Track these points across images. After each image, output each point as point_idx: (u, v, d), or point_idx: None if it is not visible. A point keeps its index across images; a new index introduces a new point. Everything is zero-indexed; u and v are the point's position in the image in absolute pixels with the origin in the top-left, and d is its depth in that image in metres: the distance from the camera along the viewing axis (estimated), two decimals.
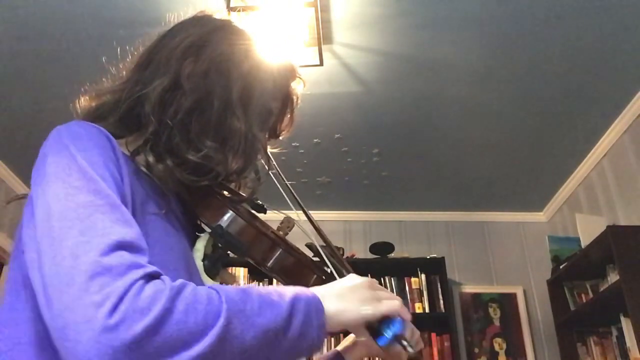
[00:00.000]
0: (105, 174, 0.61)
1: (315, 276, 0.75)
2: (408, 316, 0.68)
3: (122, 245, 0.53)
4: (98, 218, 0.55)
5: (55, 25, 2.25)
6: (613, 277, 2.55)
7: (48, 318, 0.51)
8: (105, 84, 0.81)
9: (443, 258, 3.33)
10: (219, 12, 0.86)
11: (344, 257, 3.40)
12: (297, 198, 0.84)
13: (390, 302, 0.67)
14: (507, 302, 3.47)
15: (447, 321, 3.18)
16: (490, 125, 2.86)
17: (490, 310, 3.46)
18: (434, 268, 3.33)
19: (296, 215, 0.85)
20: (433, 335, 3.19)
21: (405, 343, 0.66)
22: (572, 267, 2.84)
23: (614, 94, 2.60)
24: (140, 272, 0.52)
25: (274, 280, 0.78)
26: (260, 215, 0.83)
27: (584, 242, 2.71)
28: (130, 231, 0.56)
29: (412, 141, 3.02)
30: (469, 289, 3.52)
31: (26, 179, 3.41)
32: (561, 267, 2.94)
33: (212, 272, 0.73)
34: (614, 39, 2.27)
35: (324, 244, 0.84)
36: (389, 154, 3.14)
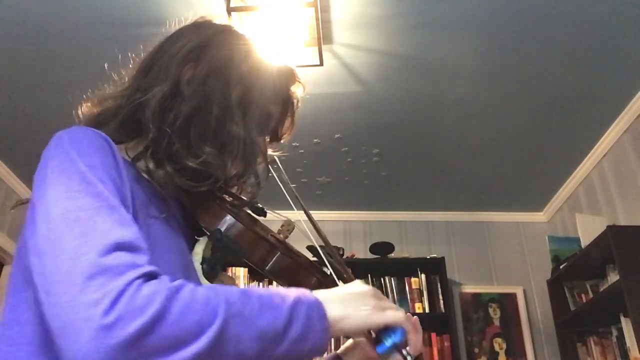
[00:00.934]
0: (105, 177, 0.62)
1: (315, 279, 0.76)
2: (410, 327, 0.68)
3: (120, 246, 0.54)
4: (97, 220, 0.56)
5: (56, 25, 2.25)
6: (613, 277, 2.55)
7: (49, 318, 0.51)
8: (107, 90, 0.82)
9: (443, 258, 3.33)
10: (219, 17, 0.86)
11: (344, 257, 3.41)
12: (300, 200, 0.85)
13: (394, 313, 0.66)
14: (507, 302, 3.47)
15: (447, 321, 3.18)
16: (490, 125, 2.86)
17: (490, 310, 3.46)
18: (434, 268, 3.33)
19: (298, 215, 0.85)
20: (433, 335, 3.19)
21: (404, 353, 0.67)
22: (572, 267, 2.84)
23: (614, 94, 2.60)
24: (138, 272, 0.52)
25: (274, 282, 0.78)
26: (260, 218, 0.83)
27: (584, 242, 2.71)
28: (129, 231, 0.57)
29: (412, 141, 3.02)
30: (469, 289, 3.52)
31: (26, 179, 3.43)
32: (561, 267, 2.94)
33: (210, 276, 0.73)
34: (614, 39, 2.27)
35: (323, 245, 0.84)
36: (389, 154, 3.14)
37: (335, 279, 0.77)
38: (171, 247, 0.69)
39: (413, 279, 3.32)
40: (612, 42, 2.29)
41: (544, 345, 3.35)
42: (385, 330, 0.66)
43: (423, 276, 3.32)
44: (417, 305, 3.24)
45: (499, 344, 3.35)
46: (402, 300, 3.28)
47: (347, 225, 3.78)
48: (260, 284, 3.33)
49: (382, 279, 3.35)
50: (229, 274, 3.29)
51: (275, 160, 0.87)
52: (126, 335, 0.47)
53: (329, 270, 0.78)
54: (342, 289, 0.67)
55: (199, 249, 0.75)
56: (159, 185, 0.71)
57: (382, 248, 3.41)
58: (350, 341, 0.85)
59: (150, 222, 0.67)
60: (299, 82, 0.88)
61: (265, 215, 0.83)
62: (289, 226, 0.84)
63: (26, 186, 3.44)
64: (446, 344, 3.16)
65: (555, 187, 3.45)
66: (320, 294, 0.63)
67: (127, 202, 0.63)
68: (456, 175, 3.35)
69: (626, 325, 2.47)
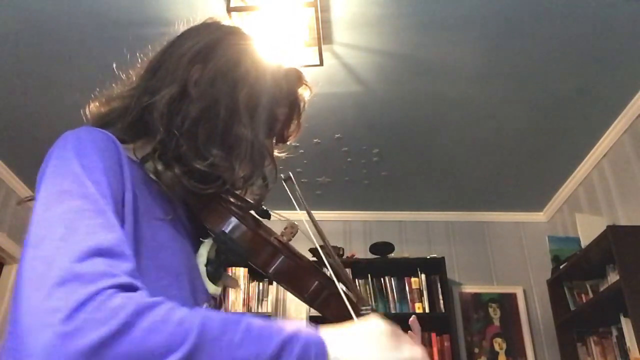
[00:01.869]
0: (101, 179, 0.61)
1: (317, 282, 0.76)
2: None
3: (99, 252, 0.52)
4: (81, 223, 0.54)
5: (59, 25, 2.25)
6: (613, 277, 2.55)
7: (14, 319, 0.49)
8: (114, 90, 0.82)
9: (443, 258, 3.33)
10: (226, 19, 0.86)
11: (344, 257, 3.41)
12: (305, 204, 0.84)
13: (408, 353, 0.58)
14: (507, 302, 3.47)
15: (447, 321, 3.18)
16: (490, 125, 2.86)
17: (490, 310, 3.46)
18: (434, 268, 3.33)
19: (300, 216, 0.85)
20: (433, 335, 3.19)
21: None
22: (572, 267, 2.84)
23: (614, 94, 2.61)
24: (111, 281, 0.50)
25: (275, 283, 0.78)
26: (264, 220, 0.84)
27: (584, 242, 2.71)
28: (111, 236, 0.55)
29: (412, 141, 3.02)
30: (469, 289, 3.52)
31: (26, 179, 3.43)
32: (561, 267, 2.94)
33: (214, 277, 0.74)
34: (614, 39, 2.27)
35: (323, 245, 0.84)
36: (389, 154, 3.14)
37: (335, 280, 0.77)
38: (175, 250, 0.69)
39: (413, 279, 3.32)
40: (612, 42, 2.29)
41: (544, 345, 3.35)
42: None
43: (423, 276, 3.32)
44: (417, 305, 3.24)
45: (499, 344, 3.35)
46: (402, 300, 3.28)
47: (347, 225, 3.78)
48: (260, 283, 3.33)
49: (382, 279, 3.35)
50: (229, 273, 3.30)
51: (290, 176, 0.88)
52: (83, 345, 0.45)
53: (329, 272, 0.78)
54: (354, 326, 0.60)
55: (204, 250, 0.75)
56: (166, 187, 0.71)
57: (382, 248, 3.41)
58: None
59: (155, 224, 0.67)
60: (306, 84, 0.88)
61: (269, 218, 0.84)
62: (292, 229, 0.84)
63: (26, 186, 3.44)
64: (446, 344, 3.16)
65: (555, 187, 3.45)
66: (328, 334, 0.56)
67: (123, 205, 0.62)
68: (456, 175, 3.35)
69: (626, 325, 2.47)
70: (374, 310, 0.72)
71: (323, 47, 2.31)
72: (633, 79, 2.50)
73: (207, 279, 0.73)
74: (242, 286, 3.27)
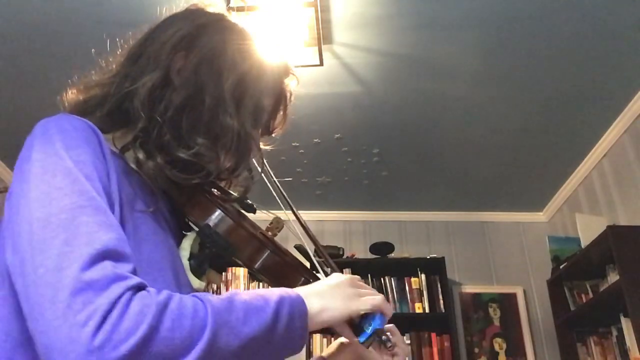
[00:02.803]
0: (93, 173, 0.59)
1: (302, 279, 0.75)
2: (389, 312, 0.70)
3: (105, 254, 0.52)
4: (82, 222, 0.53)
5: (57, 24, 2.25)
6: (613, 277, 2.55)
7: (33, 330, 0.50)
8: (93, 76, 0.79)
9: (443, 258, 3.33)
10: (212, 6, 0.83)
11: (344, 257, 3.40)
12: (287, 197, 0.83)
13: (371, 299, 0.69)
14: (507, 302, 3.47)
15: (447, 321, 3.18)
16: (490, 125, 2.86)
17: (490, 310, 3.46)
18: (434, 268, 3.33)
19: (285, 215, 0.84)
20: (433, 335, 3.19)
21: (384, 338, 0.69)
22: (572, 267, 2.84)
23: (614, 94, 2.60)
24: (123, 285, 0.50)
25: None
26: (249, 215, 0.82)
27: (584, 242, 2.71)
28: (114, 236, 0.55)
29: (412, 141, 3.02)
30: (469, 289, 3.52)
31: None
32: (561, 267, 2.94)
33: (197, 272, 0.72)
34: (614, 39, 2.27)
35: (316, 245, 0.84)
36: (389, 154, 3.14)
37: (322, 277, 0.76)
38: (157, 243, 0.66)
39: (413, 279, 3.32)
40: (612, 42, 2.29)
41: (544, 345, 3.35)
42: (364, 317, 0.68)
43: (423, 276, 3.32)
44: (417, 305, 3.24)
45: (499, 344, 3.35)
46: (402, 300, 3.28)
47: (347, 225, 3.78)
48: (260, 284, 3.33)
49: (382, 279, 3.34)
50: (229, 274, 3.29)
51: (263, 161, 0.84)
52: (116, 357, 0.46)
53: (315, 268, 0.78)
54: (320, 282, 0.69)
55: (187, 244, 0.72)
56: (148, 177, 0.69)
57: (382, 248, 3.41)
58: (335, 344, 0.83)
59: (136, 217, 0.65)
60: (293, 74, 0.85)
61: (254, 212, 0.81)
62: (278, 224, 0.83)
63: None
64: (446, 344, 3.16)
65: (555, 187, 3.45)
66: (302, 290, 0.64)
67: (112, 198, 0.61)
68: (456, 175, 3.35)
69: (626, 325, 2.47)
70: None
71: (323, 47, 2.31)
72: (633, 79, 2.50)
73: (191, 274, 0.71)
74: (242, 287, 3.27)
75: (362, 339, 0.67)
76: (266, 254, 0.73)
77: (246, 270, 3.31)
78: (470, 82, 2.56)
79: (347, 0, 2.13)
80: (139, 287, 0.52)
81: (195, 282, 0.71)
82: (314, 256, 0.80)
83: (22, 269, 0.52)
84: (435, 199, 3.62)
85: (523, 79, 2.53)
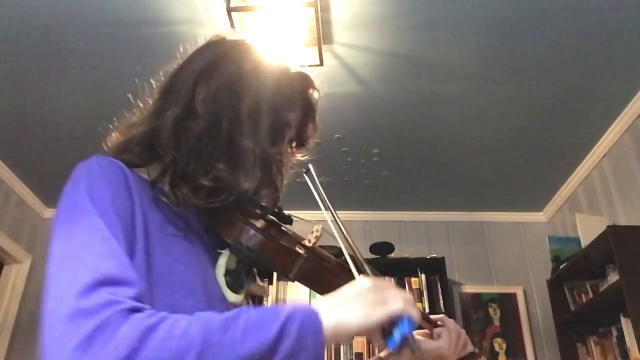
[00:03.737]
0: (108, 208, 0.64)
1: (342, 281, 0.74)
2: (415, 314, 0.65)
3: (103, 282, 0.55)
4: (87, 254, 0.58)
5: (58, 25, 2.25)
6: (613, 277, 2.55)
7: (41, 346, 0.54)
8: (132, 117, 0.85)
9: (443, 258, 3.33)
10: (232, 34, 0.87)
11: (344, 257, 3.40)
12: (329, 205, 0.87)
13: (394, 304, 0.64)
14: (507, 302, 3.47)
15: None
16: (490, 125, 2.86)
17: (490, 310, 3.46)
18: (434, 268, 3.33)
19: (323, 216, 0.87)
20: None
21: (412, 345, 0.64)
22: (572, 267, 2.84)
23: (614, 94, 2.60)
24: (114, 309, 0.53)
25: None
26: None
27: (584, 242, 2.71)
28: (115, 264, 0.58)
29: (412, 141, 3.02)
30: (469, 289, 3.52)
31: (26, 179, 3.42)
32: (561, 267, 2.94)
33: (234, 287, 0.75)
34: (613, 38, 2.27)
35: (346, 245, 0.86)
36: (389, 154, 3.14)
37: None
38: (189, 264, 0.70)
39: (413, 279, 3.32)
40: (612, 42, 2.29)
41: (544, 345, 3.35)
42: (394, 323, 0.63)
43: (423, 276, 3.32)
44: (417, 305, 3.24)
45: (499, 344, 3.35)
46: None
47: (347, 225, 3.75)
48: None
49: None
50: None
51: (309, 168, 0.91)
52: None
53: (349, 267, 0.79)
54: (340, 292, 0.65)
55: (222, 261, 0.76)
56: (174, 205, 0.73)
57: (382, 248, 3.41)
58: None
59: (168, 240, 0.69)
60: (314, 87, 0.87)
61: (291, 223, 0.86)
62: (316, 232, 0.85)
63: (26, 186, 3.44)
64: None
65: (555, 187, 3.45)
66: (318, 303, 0.62)
67: (134, 230, 0.66)
68: (456, 175, 3.35)
69: (626, 325, 2.47)
70: None
71: (323, 47, 2.31)
72: (633, 79, 2.50)
73: (227, 290, 0.74)
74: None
75: (390, 346, 0.63)
76: (300, 263, 0.76)
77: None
78: (470, 82, 2.56)
79: (347, 0, 2.13)
80: (133, 310, 0.54)
81: (232, 297, 0.74)
82: (351, 259, 0.81)
83: (44, 294, 0.58)
84: (435, 199, 3.62)
85: (523, 79, 2.53)
